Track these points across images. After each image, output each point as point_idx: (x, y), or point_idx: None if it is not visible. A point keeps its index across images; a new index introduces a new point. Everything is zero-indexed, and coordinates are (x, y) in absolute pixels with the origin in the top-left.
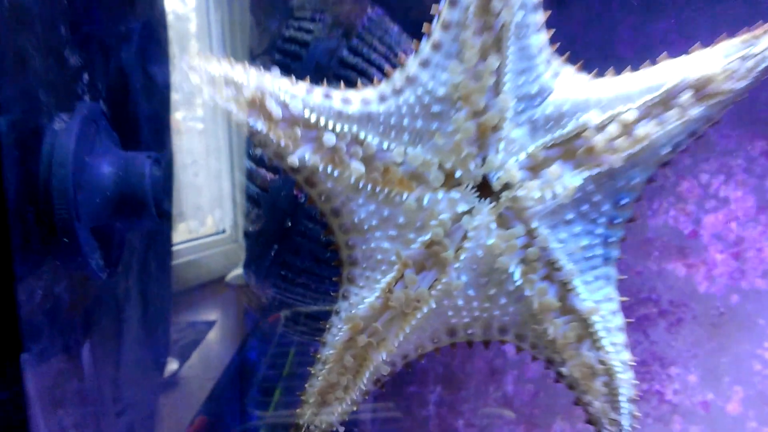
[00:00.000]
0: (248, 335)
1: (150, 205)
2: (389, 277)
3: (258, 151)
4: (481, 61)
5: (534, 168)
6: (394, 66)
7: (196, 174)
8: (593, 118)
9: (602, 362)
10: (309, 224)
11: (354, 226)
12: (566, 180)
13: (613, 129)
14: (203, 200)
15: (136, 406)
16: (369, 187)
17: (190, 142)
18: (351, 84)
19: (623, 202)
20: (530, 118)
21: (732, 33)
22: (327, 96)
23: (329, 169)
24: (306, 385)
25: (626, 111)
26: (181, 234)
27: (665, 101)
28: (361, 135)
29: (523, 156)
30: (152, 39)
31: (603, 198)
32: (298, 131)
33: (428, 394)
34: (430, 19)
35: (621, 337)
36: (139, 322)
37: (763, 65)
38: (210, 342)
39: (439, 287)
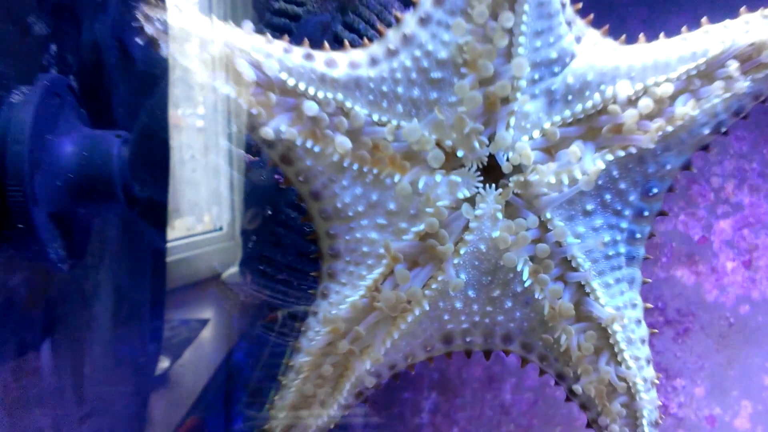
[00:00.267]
0: (239, 335)
1: (117, 189)
2: (376, 273)
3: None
4: (491, 19)
5: (550, 148)
6: None
7: (194, 170)
8: (622, 90)
9: (622, 379)
10: (292, 213)
11: (336, 212)
12: (587, 163)
13: (645, 104)
14: (201, 197)
15: (106, 410)
16: (355, 166)
17: (189, 137)
18: None
19: (653, 191)
20: (547, 89)
21: None
22: (308, 57)
23: (309, 144)
24: (275, 398)
25: (662, 83)
26: (178, 230)
27: (708, 72)
28: (348, 104)
29: (537, 134)
30: (130, 9)
31: (630, 186)
32: (273, 97)
33: (422, 400)
34: None
35: (645, 351)
36: (112, 320)
37: None
38: (203, 340)
39: (434, 286)
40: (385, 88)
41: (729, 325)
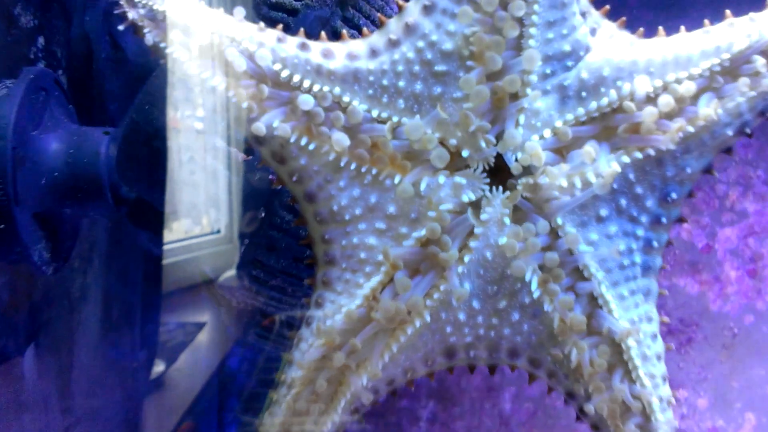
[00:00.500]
0: (233, 341)
1: (105, 189)
2: (374, 282)
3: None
4: (500, 8)
5: (561, 149)
6: None
7: (192, 172)
8: (641, 86)
9: (637, 398)
10: (287, 216)
11: (332, 215)
12: (602, 165)
13: (665, 101)
14: (198, 199)
15: (94, 417)
16: (353, 165)
17: (188, 139)
18: None
19: (672, 196)
20: (560, 85)
21: None
22: (303, 47)
23: (303, 141)
24: (266, 414)
25: (683, 79)
26: (175, 233)
27: (732, 69)
28: (345, 98)
29: (548, 133)
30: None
31: (647, 190)
32: (266, 90)
33: (420, 409)
34: None
35: (661, 368)
36: (101, 324)
37: None
38: (199, 344)
39: (436, 296)
40: (385, 82)
41: (733, 336)
